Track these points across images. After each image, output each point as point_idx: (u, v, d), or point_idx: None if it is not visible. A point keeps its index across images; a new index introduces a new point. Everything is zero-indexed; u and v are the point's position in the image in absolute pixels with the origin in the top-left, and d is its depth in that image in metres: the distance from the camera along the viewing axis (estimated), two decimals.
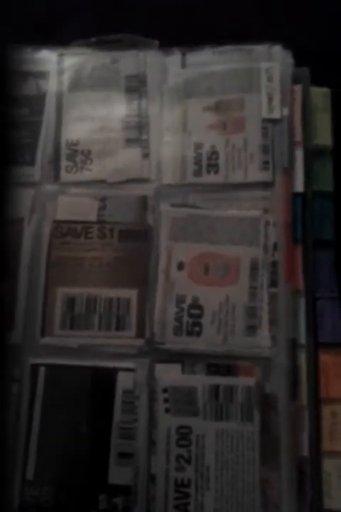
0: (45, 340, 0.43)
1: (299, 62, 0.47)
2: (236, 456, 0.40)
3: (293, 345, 0.41)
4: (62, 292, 0.44)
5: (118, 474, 0.40)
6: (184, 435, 0.41)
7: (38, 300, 0.44)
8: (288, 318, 0.42)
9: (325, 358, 0.42)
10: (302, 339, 0.42)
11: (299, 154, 0.45)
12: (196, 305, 0.43)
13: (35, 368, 0.42)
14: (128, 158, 0.47)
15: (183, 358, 0.42)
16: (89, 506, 0.40)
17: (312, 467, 0.39)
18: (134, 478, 0.40)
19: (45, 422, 0.41)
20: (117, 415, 0.41)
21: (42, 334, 0.43)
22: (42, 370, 0.42)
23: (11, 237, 0.45)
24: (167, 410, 0.41)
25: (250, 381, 0.41)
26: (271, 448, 0.40)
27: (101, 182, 0.46)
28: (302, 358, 0.41)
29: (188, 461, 0.40)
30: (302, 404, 0.41)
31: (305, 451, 0.40)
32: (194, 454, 0.40)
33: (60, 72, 0.50)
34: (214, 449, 0.40)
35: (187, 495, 0.40)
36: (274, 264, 0.43)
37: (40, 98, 0.49)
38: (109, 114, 0.48)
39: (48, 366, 0.42)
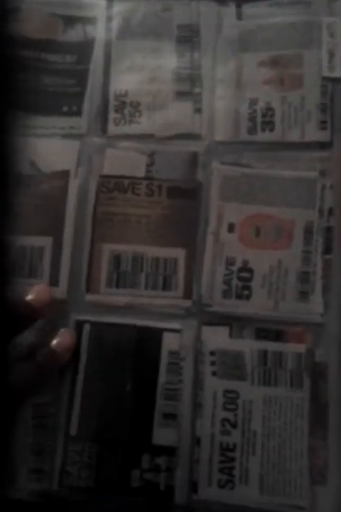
0: (90, 297, 0.44)
1: None
2: (284, 423, 0.41)
3: None
4: (108, 249, 0.45)
5: (162, 435, 0.41)
6: (231, 399, 0.42)
7: (84, 256, 0.45)
8: None
9: None
10: None
11: None
12: (246, 268, 0.44)
13: (79, 324, 0.44)
14: (179, 112, 0.47)
15: (231, 322, 0.43)
16: (132, 465, 0.41)
17: None
18: (178, 440, 0.41)
19: (89, 378, 0.43)
20: (162, 376, 0.42)
21: (88, 291, 0.44)
22: (86, 327, 0.44)
23: (55, 190, 0.46)
24: (214, 373, 0.42)
25: (300, 348, 0.42)
26: (318, 417, 0.41)
27: (150, 136, 0.47)
28: None
29: (234, 426, 0.41)
30: None
31: None
32: (240, 419, 0.41)
33: (109, 18, 0.50)
34: (261, 414, 0.41)
35: (232, 459, 0.41)
36: (329, 229, 0.43)
37: (88, 45, 0.50)
38: (159, 65, 0.48)
39: (93, 323, 0.44)
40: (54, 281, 0.44)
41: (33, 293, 0.41)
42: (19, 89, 0.45)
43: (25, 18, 0.50)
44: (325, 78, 0.46)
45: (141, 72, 0.48)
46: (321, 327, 0.42)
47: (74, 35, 0.50)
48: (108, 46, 0.49)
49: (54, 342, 0.41)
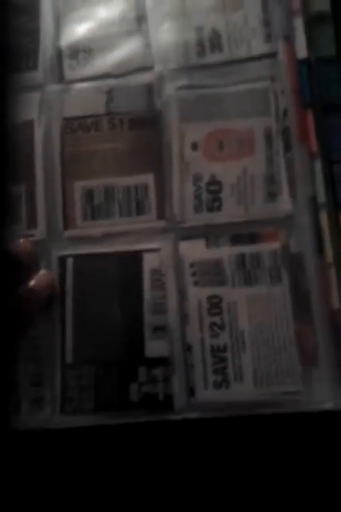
0: (69, 232, 0.44)
1: None
2: (269, 317, 0.41)
3: (314, 203, 0.42)
4: (79, 186, 0.45)
5: (154, 347, 0.41)
6: (215, 304, 0.42)
7: (57, 196, 0.45)
8: (306, 179, 0.43)
9: None
10: (322, 198, 0.42)
11: (299, 22, 0.46)
12: (214, 181, 0.44)
13: (62, 259, 0.43)
14: (129, 49, 0.47)
15: (206, 233, 0.43)
16: (129, 379, 0.41)
17: None
18: (171, 349, 0.41)
19: (79, 307, 0.42)
20: (147, 293, 0.42)
21: (65, 228, 0.44)
22: (69, 261, 0.43)
23: (22, 140, 0.45)
24: (195, 283, 0.42)
25: (275, 245, 0.42)
26: (302, 304, 0.41)
27: (105, 75, 0.47)
28: (325, 216, 0.42)
29: (222, 328, 0.41)
30: (329, 261, 0.41)
31: (336, 304, 0.41)
32: (227, 321, 0.41)
33: None
34: (246, 313, 0.41)
35: (224, 359, 0.41)
36: (286, 129, 0.44)
37: (36, 4, 0.49)
38: (106, 11, 0.48)
39: (75, 256, 0.43)
40: (32, 224, 0.44)
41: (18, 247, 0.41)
42: None
43: None
44: None
45: (90, 20, 0.48)
46: (291, 220, 0.42)
47: None
48: (55, 2, 0.49)
49: (32, 281, 0.41)
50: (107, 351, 0.41)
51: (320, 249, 0.41)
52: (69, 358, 0.41)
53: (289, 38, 0.45)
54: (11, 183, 0.44)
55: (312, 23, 0.45)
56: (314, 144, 0.43)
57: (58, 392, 0.41)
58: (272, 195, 0.43)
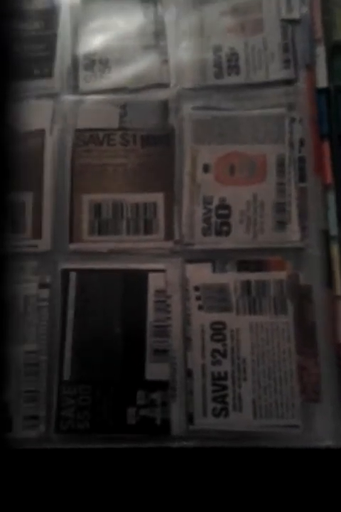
0: (74, 246, 0.39)
1: None
2: (272, 348, 0.36)
3: (325, 236, 0.37)
4: (88, 199, 0.40)
5: (155, 370, 0.36)
6: (218, 330, 0.37)
7: (65, 208, 0.40)
8: (319, 211, 0.38)
9: None
10: (335, 231, 0.38)
11: (320, 51, 0.41)
12: (223, 205, 0.39)
13: (65, 273, 0.38)
14: (146, 64, 0.42)
15: (213, 257, 0.38)
16: (128, 402, 0.36)
17: None
18: (171, 374, 0.36)
19: (79, 324, 0.37)
20: (151, 314, 0.37)
21: (71, 240, 0.39)
22: (73, 275, 0.38)
23: (33, 148, 0.40)
24: (200, 307, 0.37)
25: (281, 275, 0.37)
26: (307, 337, 0.36)
27: (120, 89, 0.42)
28: (335, 249, 0.37)
29: (224, 355, 0.36)
30: (338, 294, 0.37)
31: None
32: (229, 348, 0.37)
33: None
34: (249, 341, 0.37)
35: (225, 387, 0.36)
36: (302, 159, 0.39)
37: (54, 11, 0.44)
38: (124, 24, 0.43)
39: (79, 271, 0.38)
40: (37, 235, 0.39)
41: None
42: None
43: None
44: (284, 20, 0.42)
45: (108, 31, 0.43)
46: (301, 252, 0.38)
47: (40, 2, 0.45)
48: (74, 10, 0.44)
49: None
50: (106, 371, 0.37)
51: (329, 282, 0.37)
52: (66, 375, 0.37)
53: (310, 67, 0.40)
54: (11, 191, 0.39)
55: (334, 52, 0.40)
56: (329, 176, 0.38)
57: (54, 411, 0.36)
58: (281, 224, 0.38)
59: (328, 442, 0.35)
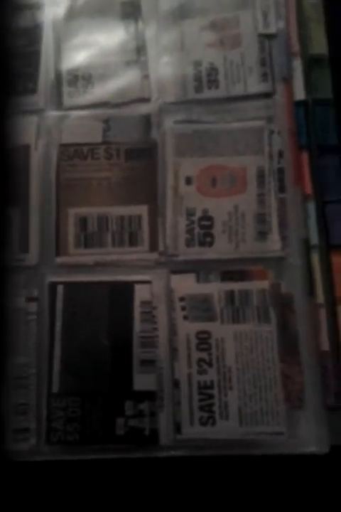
0: (61, 259, 0.39)
1: None
2: (256, 356, 0.37)
3: (306, 245, 0.38)
4: (73, 213, 0.40)
5: (142, 381, 0.36)
6: (203, 340, 0.37)
7: (51, 222, 0.39)
8: (299, 220, 0.38)
9: (337, 259, 0.38)
10: (315, 240, 0.38)
11: (297, 64, 0.41)
12: (206, 217, 0.39)
13: (53, 286, 0.38)
14: (128, 79, 0.42)
15: (197, 268, 0.38)
16: (116, 413, 0.36)
17: (334, 359, 0.36)
18: (158, 384, 0.36)
19: (67, 336, 0.37)
20: (137, 325, 0.37)
21: (58, 254, 0.39)
22: (60, 288, 0.38)
23: (18, 164, 0.40)
24: (185, 317, 0.37)
25: (264, 284, 0.38)
26: (290, 345, 0.37)
27: (104, 104, 0.42)
28: (316, 258, 0.38)
29: (210, 364, 0.37)
30: (320, 302, 0.37)
31: (326, 346, 0.36)
32: (215, 357, 0.37)
33: (55, 1, 0.45)
34: (234, 350, 0.37)
35: (211, 396, 0.36)
36: (281, 170, 0.39)
37: (37, 28, 0.44)
38: (106, 40, 0.43)
39: (66, 284, 0.38)
40: (24, 248, 0.39)
41: None
42: None
43: None
44: (261, 35, 0.42)
45: (90, 47, 0.43)
46: (282, 261, 0.38)
47: (23, 21, 0.44)
48: (56, 27, 0.44)
49: None
50: (94, 382, 0.36)
51: (311, 291, 0.37)
52: (55, 387, 0.36)
53: (287, 80, 0.40)
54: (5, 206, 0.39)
55: (310, 65, 0.41)
56: (308, 186, 0.39)
57: (44, 423, 0.36)
58: (262, 234, 0.38)
59: (312, 448, 0.35)
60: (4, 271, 0.38)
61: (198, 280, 0.38)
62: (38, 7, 0.45)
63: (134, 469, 0.35)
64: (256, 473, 0.35)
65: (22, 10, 0.44)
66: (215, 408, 0.36)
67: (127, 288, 0.38)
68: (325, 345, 0.36)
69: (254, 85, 0.41)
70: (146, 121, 0.41)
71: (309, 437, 0.35)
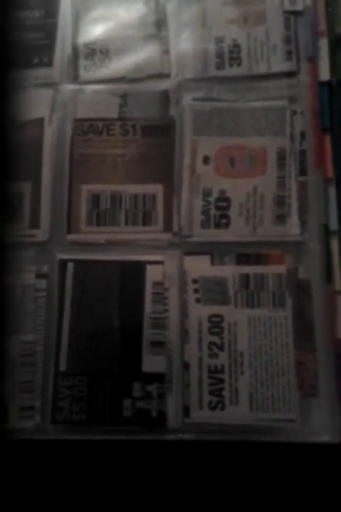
0: (72, 236, 0.39)
1: None
2: (269, 342, 0.37)
3: (325, 230, 0.38)
4: (86, 189, 0.40)
5: (151, 362, 0.37)
6: (216, 323, 0.37)
7: (63, 197, 0.40)
8: (319, 205, 0.38)
9: None
10: (335, 226, 0.38)
11: (323, 43, 0.41)
12: (223, 198, 0.39)
13: (63, 263, 0.39)
14: (147, 54, 0.42)
15: (212, 250, 0.39)
16: (124, 394, 0.36)
17: None
18: (168, 366, 0.37)
19: (76, 315, 0.38)
20: (148, 306, 0.38)
21: (69, 231, 0.39)
22: (70, 266, 0.39)
23: (31, 137, 0.41)
24: (197, 300, 0.38)
25: (280, 269, 0.38)
26: (305, 332, 0.37)
27: (121, 79, 0.42)
28: (335, 244, 0.38)
29: (221, 348, 0.37)
30: (337, 289, 0.37)
31: None
32: (226, 341, 0.37)
33: None
34: (246, 335, 0.37)
35: (222, 380, 0.36)
36: (302, 152, 0.39)
37: (55, 0, 0.44)
38: (125, 13, 0.44)
39: (76, 261, 0.39)
40: (35, 224, 0.39)
41: None
42: None
43: None
44: (286, 12, 0.42)
45: (109, 21, 0.44)
46: (300, 246, 0.38)
47: None
48: (75, 0, 0.44)
49: None
50: (102, 363, 0.37)
51: (329, 277, 0.37)
52: (63, 366, 0.37)
53: (312, 59, 0.40)
54: (9, 180, 0.40)
55: (337, 45, 0.40)
56: (330, 170, 0.39)
57: (49, 401, 0.36)
58: (281, 218, 0.38)
59: (325, 437, 0.35)
60: (13, 247, 0.39)
61: (212, 262, 0.38)
62: None
63: (141, 451, 0.35)
64: (265, 460, 0.35)
65: None
66: (225, 393, 0.36)
67: (139, 268, 0.38)
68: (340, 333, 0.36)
69: (278, 64, 0.41)
70: (164, 97, 0.41)
71: (322, 426, 0.35)
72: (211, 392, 0.36)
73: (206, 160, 0.40)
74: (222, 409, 0.36)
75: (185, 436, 0.36)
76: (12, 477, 0.35)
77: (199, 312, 0.37)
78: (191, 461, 0.36)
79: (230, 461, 0.36)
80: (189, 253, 0.39)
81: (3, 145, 0.40)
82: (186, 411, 0.36)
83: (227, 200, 0.39)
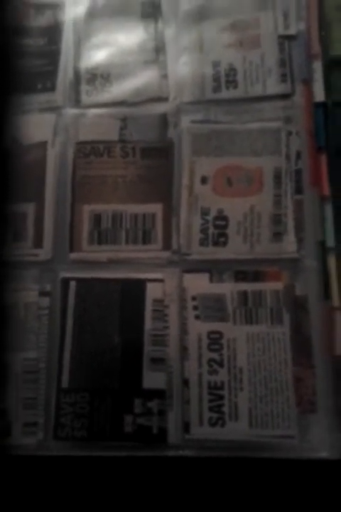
0: (74, 255, 0.40)
1: None
2: (268, 358, 0.37)
3: (322, 247, 0.38)
4: (88, 209, 0.41)
5: (152, 379, 0.37)
6: (215, 340, 0.38)
7: (66, 218, 0.41)
8: (315, 222, 0.39)
9: None
10: (331, 242, 0.39)
11: (317, 66, 0.42)
12: (221, 216, 0.40)
13: (65, 281, 0.40)
14: (146, 78, 0.44)
15: (210, 267, 0.39)
16: (125, 411, 0.37)
17: None
18: (168, 383, 0.37)
19: (78, 332, 0.38)
20: (148, 323, 0.38)
21: (71, 250, 0.40)
22: (72, 284, 0.39)
23: (35, 160, 0.42)
24: (197, 317, 0.38)
25: (278, 285, 0.38)
26: (303, 348, 0.37)
27: (121, 102, 0.43)
28: (332, 261, 0.38)
29: (220, 365, 0.37)
30: (335, 305, 0.37)
31: (340, 350, 0.37)
32: (226, 357, 0.37)
33: (76, 1, 0.46)
34: (245, 351, 0.37)
35: (221, 397, 0.37)
36: (298, 172, 0.40)
37: (58, 27, 0.46)
38: (126, 39, 0.45)
39: (78, 280, 0.40)
40: (38, 244, 0.40)
41: None
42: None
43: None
44: (281, 36, 0.43)
45: (110, 47, 0.45)
46: (297, 263, 0.38)
47: (44, 19, 0.46)
48: (77, 27, 0.46)
49: None
50: (104, 380, 0.37)
51: (326, 294, 0.38)
52: (65, 382, 0.38)
53: (307, 81, 0.41)
54: (13, 201, 0.41)
55: (331, 67, 0.42)
56: (326, 188, 0.39)
57: (52, 418, 0.37)
58: (278, 236, 0.39)
59: (324, 453, 0.35)
60: (17, 266, 0.39)
61: (211, 280, 0.39)
62: (58, 7, 0.46)
63: (142, 468, 0.36)
64: (265, 477, 0.35)
65: (43, 10, 0.46)
66: (225, 409, 0.37)
67: (139, 285, 0.39)
68: (339, 349, 0.37)
69: (273, 86, 0.42)
70: (163, 120, 0.42)
71: (321, 442, 0.35)
72: (211, 409, 0.37)
73: (204, 180, 0.41)
74: (222, 425, 0.36)
75: (185, 453, 0.36)
76: (15, 493, 0.36)
77: (199, 329, 0.38)
78: (191, 477, 0.36)
79: (230, 477, 0.36)
80: (188, 271, 0.39)
81: (7, 167, 0.41)
82: (186, 427, 0.36)
83: (225, 218, 0.40)
